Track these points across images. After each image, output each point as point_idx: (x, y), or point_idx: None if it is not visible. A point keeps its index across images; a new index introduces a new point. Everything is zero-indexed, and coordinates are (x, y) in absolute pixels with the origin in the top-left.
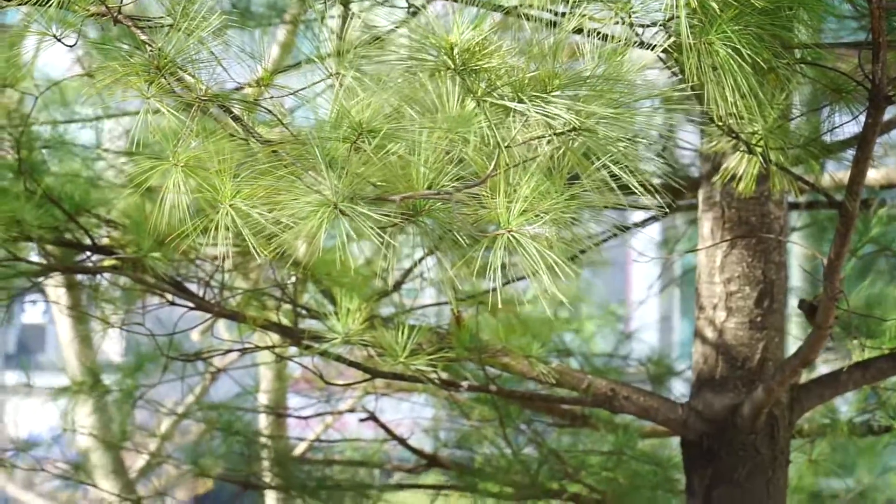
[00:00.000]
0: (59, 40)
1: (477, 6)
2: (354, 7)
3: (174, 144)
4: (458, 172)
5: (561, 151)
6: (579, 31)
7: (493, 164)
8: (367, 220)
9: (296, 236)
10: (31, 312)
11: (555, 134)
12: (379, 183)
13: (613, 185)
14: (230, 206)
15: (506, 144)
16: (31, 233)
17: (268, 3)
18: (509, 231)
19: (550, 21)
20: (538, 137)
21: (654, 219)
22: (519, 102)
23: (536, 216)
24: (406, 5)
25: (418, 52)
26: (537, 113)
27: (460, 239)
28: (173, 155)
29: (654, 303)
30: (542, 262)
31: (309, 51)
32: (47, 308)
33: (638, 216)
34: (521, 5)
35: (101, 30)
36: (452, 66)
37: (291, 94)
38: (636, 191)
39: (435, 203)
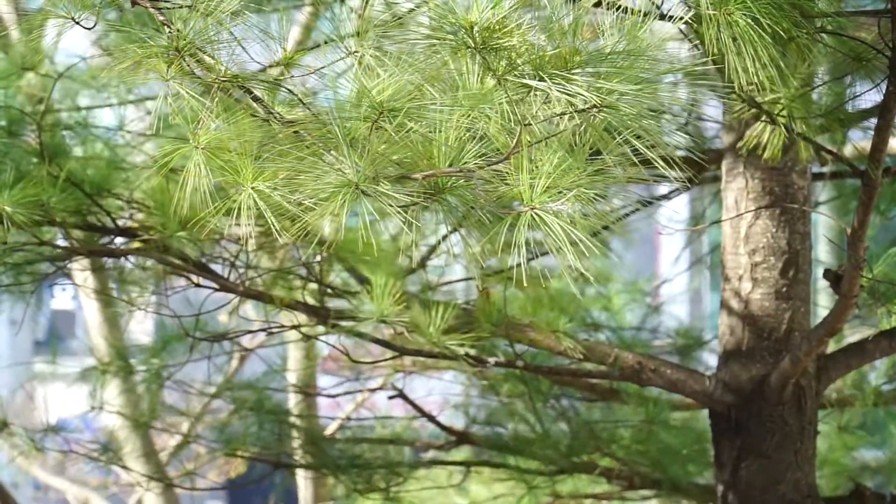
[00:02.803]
0: (77, 23)
1: None
2: None
3: (194, 126)
4: (480, 150)
5: (583, 128)
6: (598, 4)
7: (514, 141)
8: (389, 199)
9: (318, 217)
10: (60, 298)
11: (576, 111)
12: (401, 161)
13: (636, 161)
14: (252, 188)
15: (527, 122)
16: (54, 216)
17: None
18: (532, 208)
19: None
20: (560, 115)
21: (678, 191)
22: (539, 80)
23: (559, 193)
24: None
25: (438, 31)
26: (558, 91)
27: (483, 217)
28: (193, 137)
29: (684, 276)
30: (566, 238)
31: (329, 31)
32: (76, 293)
33: (663, 190)
34: None
35: (121, 12)
36: (472, 45)
37: (311, 73)
38: (659, 165)
39: (457, 181)
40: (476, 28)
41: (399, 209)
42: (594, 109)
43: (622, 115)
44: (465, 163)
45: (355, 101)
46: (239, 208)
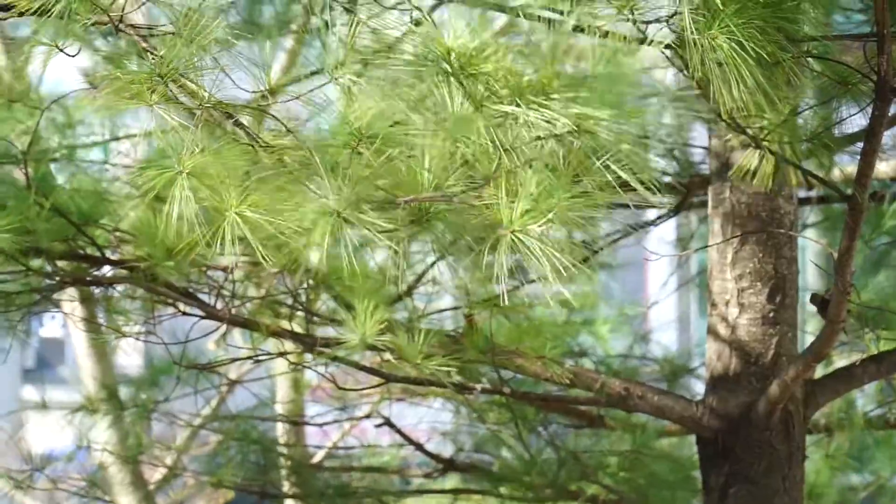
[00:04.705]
0: (61, 51)
1: (481, 7)
2: (361, 14)
3: (179, 152)
4: (463, 175)
5: (563, 153)
6: (582, 30)
7: (495, 165)
8: (371, 226)
9: (302, 245)
10: (49, 326)
11: (555, 136)
12: (384, 188)
13: (617, 186)
14: (236, 213)
15: (506, 147)
16: (40, 245)
17: (275, 13)
18: (512, 231)
19: (553, 21)
20: (538, 139)
21: (662, 217)
22: (516, 106)
23: (540, 214)
24: (410, 10)
25: (421, 58)
26: (535, 117)
27: (468, 241)
28: (178, 161)
29: (672, 302)
30: (548, 261)
31: (315, 58)
32: (65, 322)
33: (651, 215)
34: (524, 6)
35: (104, 38)
36: (450, 71)
37: (294, 99)
38: (642, 190)
39: (440, 206)
40: (453, 54)
41: (383, 235)
42: (572, 134)
43: (600, 139)
44: (448, 188)
45: (337, 127)
46: (224, 234)
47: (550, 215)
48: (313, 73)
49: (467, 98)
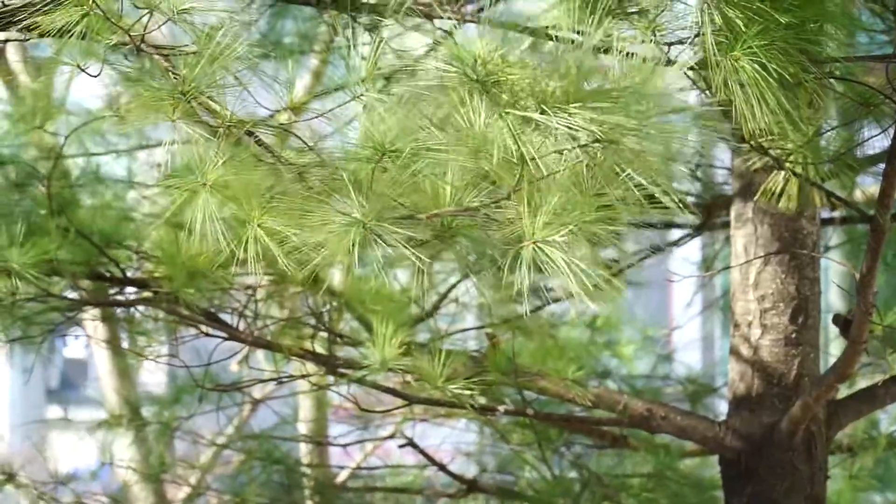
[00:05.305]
0: (83, 70)
1: (502, 27)
2: (384, 32)
3: (202, 167)
4: (485, 189)
5: (587, 164)
6: (606, 51)
7: (517, 178)
8: (398, 237)
9: (329, 258)
10: (73, 347)
11: (579, 146)
12: (407, 203)
13: (642, 200)
14: (259, 225)
15: (530, 157)
16: (62, 269)
17: (298, 32)
18: (534, 242)
19: (578, 41)
20: (561, 151)
21: (685, 238)
22: (542, 114)
23: (562, 225)
24: (432, 30)
25: (445, 68)
26: (560, 124)
27: (493, 255)
28: (202, 175)
29: (696, 322)
30: (570, 272)
31: (339, 77)
32: (88, 342)
33: (674, 235)
34: (549, 27)
35: (125, 58)
36: (475, 78)
37: (317, 117)
38: (667, 207)
39: (464, 220)
40: (479, 61)
41: (409, 248)
42: (596, 144)
43: (624, 149)
44: (471, 202)
45: (361, 143)
46: (247, 252)
47: (572, 227)
48: (336, 90)
49: (493, 104)
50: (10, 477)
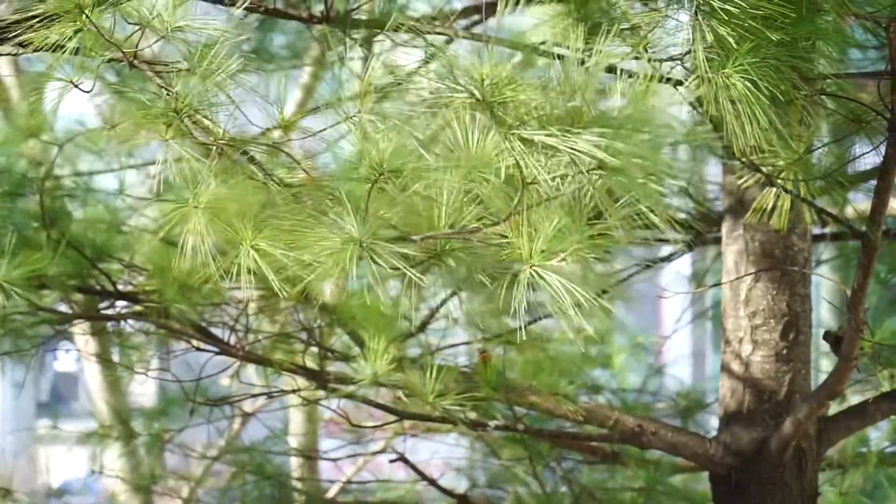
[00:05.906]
0: (76, 86)
1: (495, 44)
2: (376, 48)
3: (194, 187)
4: (479, 212)
5: (584, 189)
6: (609, 69)
7: (516, 201)
8: (392, 255)
9: (323, 276)
10: (63, 360)
11: (579, 172)
12: (400, 223)
13: (638, 223)
14: (251, 245)
15: (529, 181)
16: (53, 283)
17: (289, 45)
18: (531, 266)
19: (576, 59)
20: (562, 176)
21: (676, 254)
22: (547, 136)
23: (561, 250)
24: (426, 45)
25: (444, 86)
26: (565, 147)
27: (483, 279)
28: (193, 197)
29: (687, 337)
30: (567, 296)
31: (330, 93)
32: (79, 356)
33: (666, 251)
34: (543, 43)
35: (117, 75)
36: (481, 98)
37: (309, 136)
38: (660, 227)
39: (456, 243)
40: (487, 81)
41: (403, 265)
42: (598, 170)
43: (627, 176)
44: (465, 225)
45: (355, 162)
46: (239, 268)
47: (566, 254)
48: (327, 106)
49: (498, 126)
50: (7, 493)
